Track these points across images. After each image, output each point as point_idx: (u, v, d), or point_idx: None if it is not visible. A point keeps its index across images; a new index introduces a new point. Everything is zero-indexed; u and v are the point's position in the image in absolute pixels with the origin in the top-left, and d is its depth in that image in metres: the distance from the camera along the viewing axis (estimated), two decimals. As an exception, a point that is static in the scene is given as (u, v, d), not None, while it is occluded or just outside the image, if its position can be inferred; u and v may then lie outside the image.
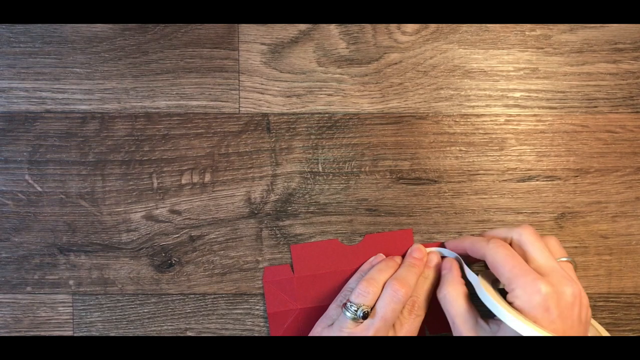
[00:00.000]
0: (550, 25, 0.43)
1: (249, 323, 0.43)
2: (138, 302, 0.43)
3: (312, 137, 0.43)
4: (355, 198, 0.43)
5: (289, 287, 0.42)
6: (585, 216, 0.43)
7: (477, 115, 0.43)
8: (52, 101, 0.42)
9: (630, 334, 0.43)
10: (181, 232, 0.42)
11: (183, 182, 0.42)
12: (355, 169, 0.43)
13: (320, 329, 0.39)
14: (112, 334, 0.43)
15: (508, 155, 0.43)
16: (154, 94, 0.42)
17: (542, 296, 0.33)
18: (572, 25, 0.43)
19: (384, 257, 0.42)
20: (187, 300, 0.43)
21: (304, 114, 0.43)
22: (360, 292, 0.37)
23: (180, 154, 0.42)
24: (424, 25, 0.43)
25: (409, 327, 0.38)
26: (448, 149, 0.43)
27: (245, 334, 0.43)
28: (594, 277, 0.43)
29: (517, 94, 0.43)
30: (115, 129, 0.42)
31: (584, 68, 0.43)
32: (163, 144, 0.42)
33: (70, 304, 0.42)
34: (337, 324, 0.38)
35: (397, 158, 0.43)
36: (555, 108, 0.43)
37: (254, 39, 0.42)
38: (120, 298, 0.43)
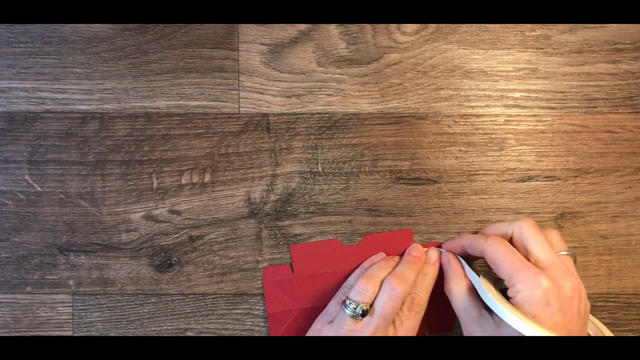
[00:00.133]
0: (550, 26, 0.43)
1: (249, 323, 0.43)
2: (138, 302, 0.43)
3: (312, 137, 0.43)
4: (355, 198, 0.43)
5: (288, 287, 0.42)
6: (585, 216, 0.43)
7: (477, 116, 0.43)
8: (52, 101, 0.42)
9: (630, 334, 0.43)
10: (181, 232, 0.42)
11: (183, 182, 0.42)
12: (355, 169, 0.43)
13: (320, 326, 0.39)
14: (112, 334, 0.43)
15: (508, 155, 0.43)
16: (153, 94, 0.42)
17: (543, 290, 0.33)
18: (572, 25, 0.43)
19: (385, 256, 0.42)
20: (186, 300, 0.43)
21: (303, 114, 0.43)
22: (359, 289, 0.37)
23: (180, 154, 0.42)
24: (424, 25, 0.43)
25: (409, 323, 0.38)
26: (448, 149, 0.43)
27: (245, 334, 0.43)
28: (593, 277, 0.43)
29: (517, 94, 0.43)
30: (115, 129, 0.42)
31: (584, 68, 0.43)
32: (163, 144, 0.42)
33: (70, 304, 0.42)
34: (336, 321, 0.38)
35: (397, 158, 0.43)
36: (554, 108, 0.43)
37: (254, 39, 0.42)
38: (120, 298, 0.43)
